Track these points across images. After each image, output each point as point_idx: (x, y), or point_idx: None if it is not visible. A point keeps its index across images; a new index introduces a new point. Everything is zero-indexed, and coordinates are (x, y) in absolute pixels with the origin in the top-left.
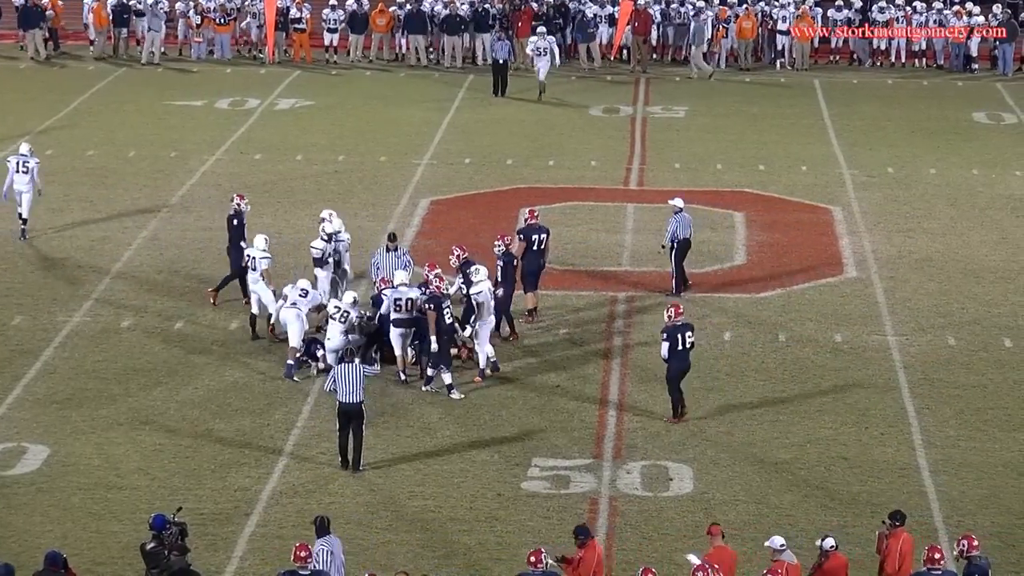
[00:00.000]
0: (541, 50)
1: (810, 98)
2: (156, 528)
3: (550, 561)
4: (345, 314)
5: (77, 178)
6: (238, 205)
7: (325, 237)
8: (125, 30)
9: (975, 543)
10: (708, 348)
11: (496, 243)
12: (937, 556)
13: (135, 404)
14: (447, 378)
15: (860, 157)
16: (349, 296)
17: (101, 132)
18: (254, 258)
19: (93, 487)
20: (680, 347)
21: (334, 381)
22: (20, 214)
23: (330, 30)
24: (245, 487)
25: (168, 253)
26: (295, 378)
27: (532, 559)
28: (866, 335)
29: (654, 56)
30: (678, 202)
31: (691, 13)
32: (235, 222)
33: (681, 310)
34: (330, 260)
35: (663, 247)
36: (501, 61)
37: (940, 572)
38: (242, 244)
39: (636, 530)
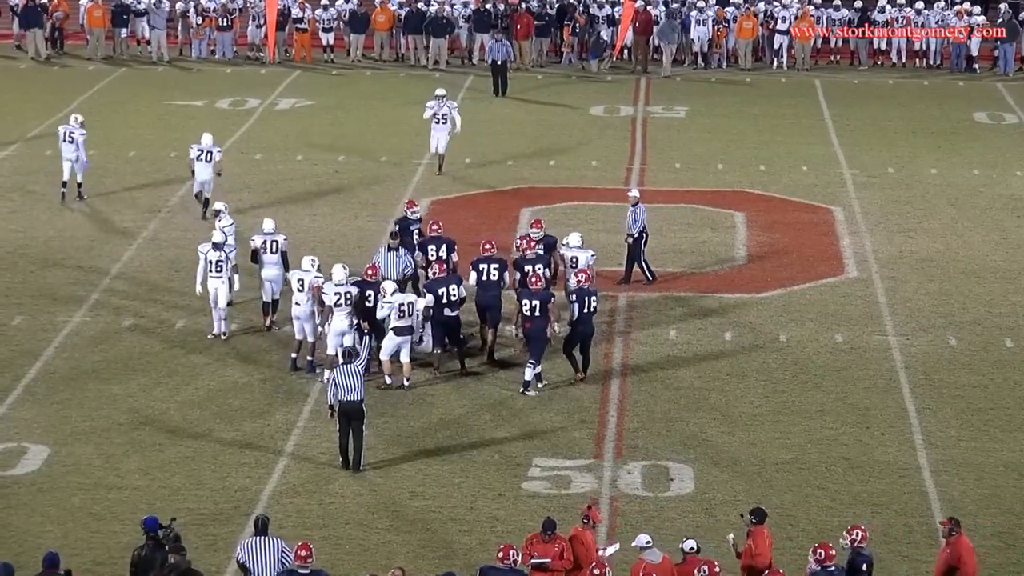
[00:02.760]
0: (439, 117)
1: (811, 98)
2: (149, 529)
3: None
4: (348, 295)
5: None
6: (408, 213)
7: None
8: (125, 30)
9: (866, 535)
10: (709, 348)
11: (533, 229)
12: (833, 553)
13: (135, 404)
14: (528, 373)
15: (861, 157)
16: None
17: (101, 132)
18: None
19: (93, 487)
20: (584, 311)
21: (334, 384)
22: (64, 181)
23: (324, 30)
24: (245, 487)
25: (168, 253)
26: (317, 371)
27: (499, 555)
28: (867, 335)
29: (655, 56)
30: (636, 192)
31: (689, 14)
32: (408, 229)
33: (590, 277)
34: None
35: (629, 237)
36: (499, 62)
37: (832, 568)
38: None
39: (637, 530)
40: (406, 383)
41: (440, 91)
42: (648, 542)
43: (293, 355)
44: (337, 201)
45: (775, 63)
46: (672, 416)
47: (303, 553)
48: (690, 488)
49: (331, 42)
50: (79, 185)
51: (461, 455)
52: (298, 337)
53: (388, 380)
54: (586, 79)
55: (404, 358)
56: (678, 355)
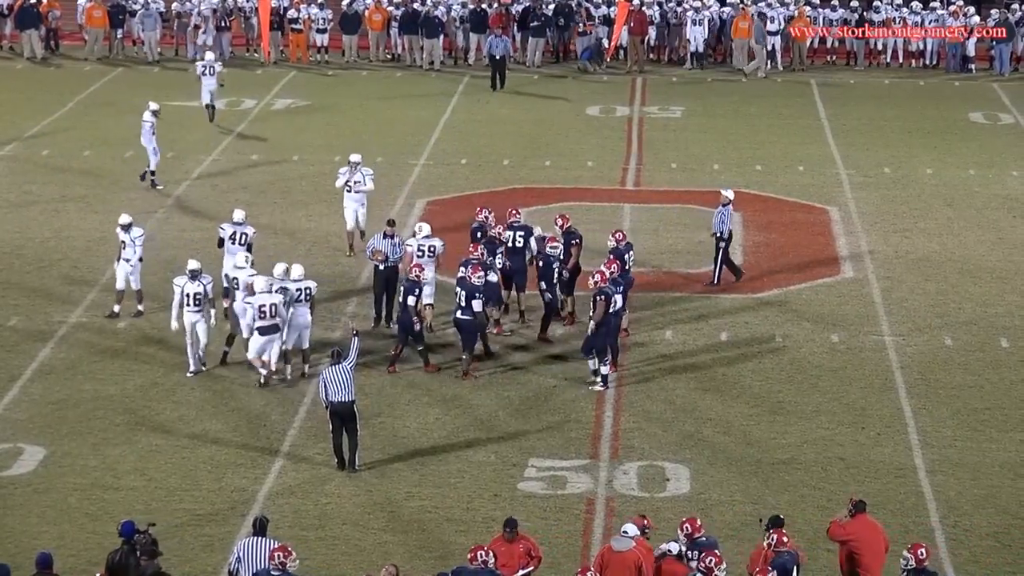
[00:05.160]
0: (351, 185)
1: (807, 98)
2: (125, 535)
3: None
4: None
5: (73, 178)
6: (485, 218)
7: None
8: (121, 31)
9: (930, 553)
10: (705, 348)
11: (556, 221)
12: (787, 540)
13: (131, 405)
14: (592, 364)
15: (857, 157)
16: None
17: (97, 132)
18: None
19: (90, 488)
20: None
21: (324, 387)
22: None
23: (319, 31)
24: (242, 487)
25: (165, 253)
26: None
27: (469, 556)
28: (863, 335)
29: (650, 56)
30: (729, 193)
31: (686, 13)
32: (478, 234)
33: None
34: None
35: (720, 240)
36: (498, 57)
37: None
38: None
39: None
40: (283, 376)
41: (355, 157)
42: (625, 532)
43: (225, 348)
44: (333, 201)
45: (768, 64)
46: (668, 416)
47: (280, 556)
48: (686, 488)
49: (326, 43)
50: (152, 173)
51: (457, 455)
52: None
53: (262, 378)
54: (582, 79)
55: (271, 356)
56: (674, 355)
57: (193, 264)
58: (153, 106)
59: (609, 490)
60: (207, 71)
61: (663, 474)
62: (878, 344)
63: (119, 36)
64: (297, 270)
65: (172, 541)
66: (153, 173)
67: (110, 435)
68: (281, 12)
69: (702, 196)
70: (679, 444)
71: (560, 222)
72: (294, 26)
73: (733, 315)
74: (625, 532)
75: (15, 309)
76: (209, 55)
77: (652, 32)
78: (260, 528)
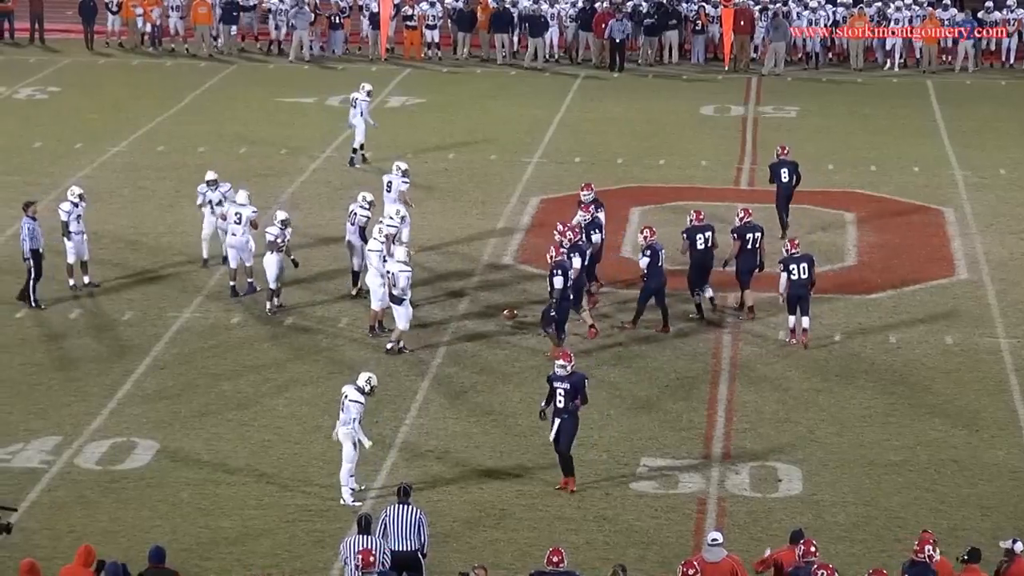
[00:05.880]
0: (211, 203)
1: (922, 99)
2: (155, 560)
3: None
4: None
5: (188, 174)
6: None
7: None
8: (234, 27)
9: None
10: (818, 349)
11: (584, 192)
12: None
13: (244, 400)
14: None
15: (972, 158)
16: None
17: (211, 128)
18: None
19: (202, 483)
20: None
21: (384, 527)
22: (353, 148)
23: (429, 27)
24: (353, 484)
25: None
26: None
27: (554, 559)
28: (977, 337)
29: (754, 56)
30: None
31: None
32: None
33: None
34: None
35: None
36: (618, 40)
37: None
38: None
39: (744, 531)
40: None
41: (211, 175)
42: (715, 540)
43: (232, 283)
44: (447, 199)
45: (887, 64)
46: (781, 417)
47: (370, 559)
48: (798, 489)
49: (436, 39)
50: (361, 147)
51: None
52: (233, 266)
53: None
54: (696, 79)
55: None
56: (787, 356)
57: (282, 215)
58: (367, 87)
59: (721, 490)
60: (353, 103)
61: (775, 475)
62: (993, 346)
63: (232, 33)
64: (282, 214)
65: (283, 536)
66: (362, 147)
67: (222, 430)
68: (397, 8)
69: (816, 196)
70: (792, 445)
71: (742, 215)
72: (408, 23)
73: (847, 316)
74: (715, 540)
75: (129, 304)
76: (364, 85)
77: (759, 31)
78: (366, 526)
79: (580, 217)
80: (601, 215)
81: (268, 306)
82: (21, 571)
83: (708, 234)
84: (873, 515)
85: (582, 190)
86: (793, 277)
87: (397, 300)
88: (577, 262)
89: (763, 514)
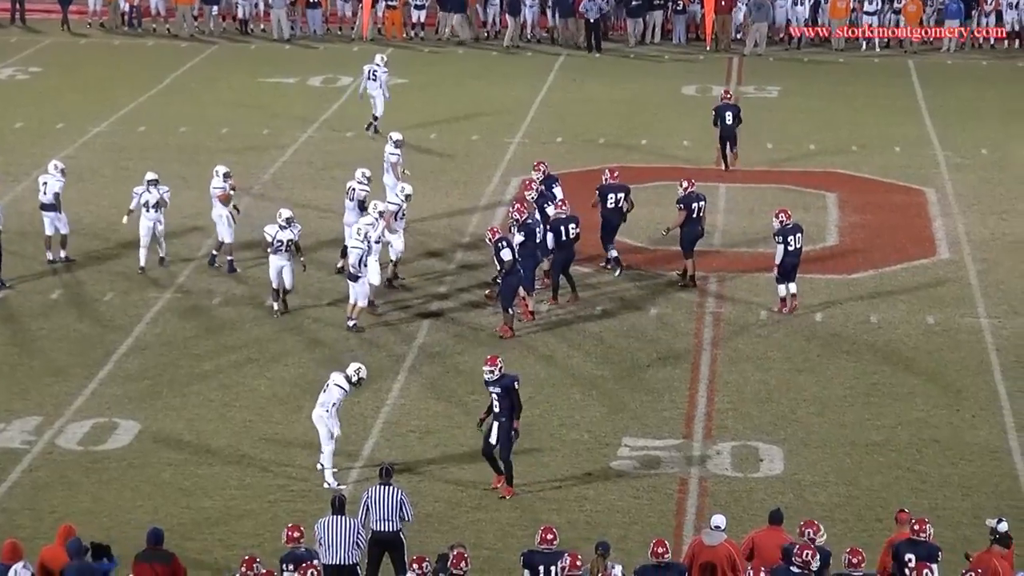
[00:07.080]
0: (148, 205)
1: (904, 79)
2: (152, 542)
3: None
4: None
5: (169, 154)
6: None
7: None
8: (215, 8)
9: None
10: (799, 329)
11: (535, 171)
12: (856, 560)
13: (226, 381)
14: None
15: (954, 138)
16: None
17: (193, 109)
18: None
19: (184, 463)
20: (564, 237)
21: (366, 511)
22: (374, 115)
23: (417, 7)
24: (337, 464)
25: (260, 231)
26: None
27: (548, 537)
28: (959, 317)
29: (737, 35)
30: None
31: None
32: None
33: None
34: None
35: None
36: (592, 20)
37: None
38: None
39: (726, 511)
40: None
41: (151, 175)
42: (717, 525)
43: (214, 252)
44: (428, 179)
45: (865, 44)
46: (762, 397)
47: (295, 535)
48: (780, 469)
49: (422, 19)
50: (376, 119)
51: (550, 434)
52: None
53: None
54: (678, 59)
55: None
56: (768, 336)
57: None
58: (383, 56)
59: (702, 470)
60: (370, 75)
61: (757, 454)
62: (974, 326)
63: (214, 13)
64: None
65: (265, 517)
66: (376, 119)
67: (204, 411)
68: None
69: (797, 176)
70: (773, 424)
71: (686, 184)
72: (390, 3)
73: (828, 296)
74: (717, 527)
75: (111, 284)
76: (378, 56)
77: (740, 9)
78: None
79: (528, 194)
80: (557, 190)
81: (276, 306)
82: (3, 551)
83: (620, 195)
84: (854, 495)
85: (534, 169)
86: (789, 248)
87: (352, 277)
88: (519, 238)
89: (744, 494)
